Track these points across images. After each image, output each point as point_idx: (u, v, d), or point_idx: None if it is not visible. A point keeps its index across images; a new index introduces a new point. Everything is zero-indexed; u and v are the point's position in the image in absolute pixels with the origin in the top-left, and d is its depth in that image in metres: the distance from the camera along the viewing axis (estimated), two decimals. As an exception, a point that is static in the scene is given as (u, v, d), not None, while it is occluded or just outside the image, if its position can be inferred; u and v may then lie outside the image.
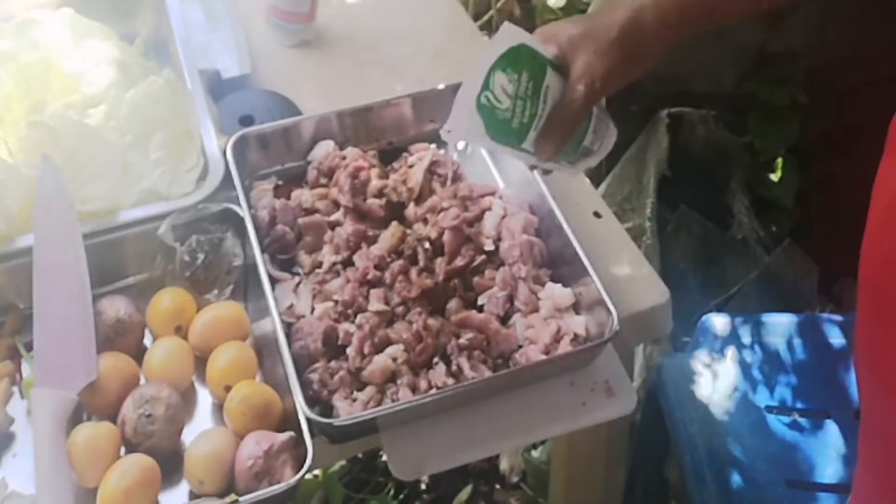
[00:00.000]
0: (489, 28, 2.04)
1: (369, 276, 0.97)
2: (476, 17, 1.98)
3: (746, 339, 1.28)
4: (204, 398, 0.93)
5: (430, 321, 0.94)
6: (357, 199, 1.03)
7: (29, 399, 0.89)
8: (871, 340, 0.74)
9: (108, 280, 0.99)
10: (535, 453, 1.64)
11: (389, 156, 1.11)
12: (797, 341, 1.27)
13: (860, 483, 0.78)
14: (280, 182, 1.08)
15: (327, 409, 0.89)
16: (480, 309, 0.97)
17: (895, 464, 0.70)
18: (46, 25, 1.13)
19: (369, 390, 0.90)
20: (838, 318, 1.29)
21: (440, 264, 0.98)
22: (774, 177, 1.80)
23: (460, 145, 1.14)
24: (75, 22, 1.14)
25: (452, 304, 0.97)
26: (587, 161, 0.89)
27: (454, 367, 0.91)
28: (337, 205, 1.04)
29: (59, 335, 0.89)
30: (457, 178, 1.08)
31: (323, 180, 1.07)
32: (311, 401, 0.88)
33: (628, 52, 0.81)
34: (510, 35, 0.78)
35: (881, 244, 0.71)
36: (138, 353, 0.93)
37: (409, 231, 1.02)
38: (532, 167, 0.94)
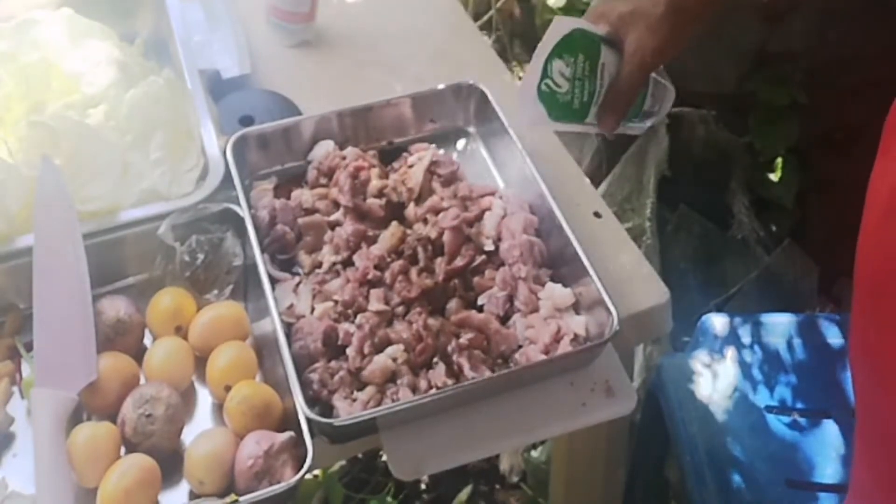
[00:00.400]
0: (489, 28, 2.05)
1: (369, 276, 0.97)
2: (476, 17, 1.99)
3: (746, 339, 1.28)
4: (204, 398, 0.93)
5: (430, 321, 0.94)
6: (357, 199, 1.03)
7: (29, 399, 0.89)
8: (867, 339, 0.74)
9: (108, 280, 0.99)
10: (535, 453, 1.64)
11: (389, 156, 1.11)
12: (797, 341, 1.27)
13: (857, 480, 0.78)
14: (280, 182, 1.08)
15: (327, 409, 0.89)
16: (480, 309, 0.97)
17: (893, 460, 0.70)
18: (46, 25, 1.13)
19: (369, 390, 0.90)
20: (838, 318, 1.29)
21: (440, 264, 0.98)
22: (774, 177, 1.80)
23: (460, 145, 1.14)
24: (75, 22, 1.14)
25: (452, 304, 0.97)
26: (650, 120, 0.95)
27: (454, 367, 0.91)
28: (337, 205, 1.04)
29: (59, 335, 0.89)
30: (457, 178, 1.08)
31: (323, 180, 1.07)
32: (311, 401, 0.88)
33: (676, 24, 0.86)
34: (562, 25, 0.84)
35: (880, 243, 0.72)
36: (138, 353, 0.93)
37: (409, 231, 1.02)
38: (598, 134, 0.98)
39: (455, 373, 0.91)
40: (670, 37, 0.87)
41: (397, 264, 0.98)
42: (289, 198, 1.05)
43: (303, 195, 1.05)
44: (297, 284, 0.98)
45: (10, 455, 0.89)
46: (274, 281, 0.97)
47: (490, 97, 1.10)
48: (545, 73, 0.84)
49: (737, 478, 1.13)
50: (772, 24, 1.67)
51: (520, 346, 0.94)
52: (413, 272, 0.97)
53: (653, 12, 0.86)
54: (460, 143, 1.15)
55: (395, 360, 0.91)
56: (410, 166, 1.08)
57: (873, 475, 0.75)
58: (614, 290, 0.93)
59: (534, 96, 0.85)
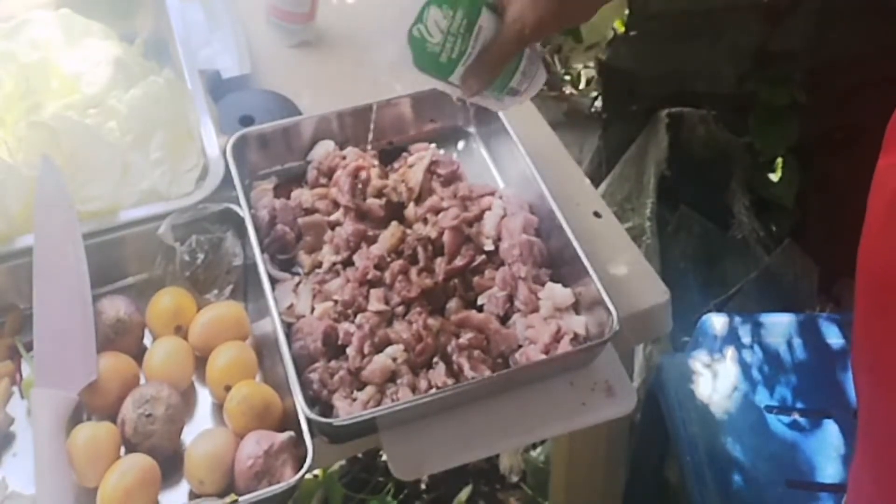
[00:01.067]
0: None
1: (369, 276, 0.97)
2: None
3: (746, 338, 1.28)
4: (204, 398, 0.93)
5: (430, 321, 0.94)
6: (357, 199, 1.03)
7: (29, 399, 0.89)
8: (871, 340, 0.74)
9: (108, 280, 0.99)
10: (534, 453, 1.65)
11: (389, 156, 1.11)
12: (797, 341, 1.27)
13: (856, 480, 0.78)
14: (280, 182, 1.08)
15: (327, 409, 0.89)
16: (480, 309, 0.97)
17: (887, 460, 0.70)
18: (46, 25, 1.13)
19: (369, 390, 0.90)
20: (838, 318, 1.29)
21: (440, 264, 0.98)
22: (774, 177, 1.81)
23: (460, 145, 1.14)
24: (75, 22, 1.14)
25: (452, 303, 0.97)
26: (514, 100, 0.91)
27: (454, 367, 0.91)
28: (337, 205, 1.04)
29: (59, 335, 0.89)
30: (457, 178, 1.08)
31: (323, 180, 1.07)
32: (311, 401, 0.88)
33: (564, 4, 0.83)
34: None
35: (883, 244, 0.71)
36: (138, 353, 0.93)
37: (409, 231, 1.02)
38: (459, 99, 0.96)
39: (455, 373, 0.91)
40: (554, 13, 0.83)
41: (397, 264, 0.98)
42: (289, 198, 1.05)
43: (303, 195, 1.05)
44: (297, 284, 0.98)
45: (10, 455, 0.89)
46: (274, 281, 0.97)
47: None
48: (420, 18, 0.81)
49: (737, 478, 1.13)
50: (772, 24, 1.68)
51: (520, 346, 0.94)
52: (413, 272, 0.97)
53: None
54: (460, 143, 1.14)
55: (395, 360, 0.91)
56: (410, 166, 1.08)
57: (874, 475, 0.75)
58: (614, 290, 0.93)
59: (403, 37, 0.82)
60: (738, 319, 1.29)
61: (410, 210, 1.04)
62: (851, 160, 0.79)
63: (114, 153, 1.02)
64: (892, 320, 0.70)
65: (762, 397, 1.21)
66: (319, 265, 1.00)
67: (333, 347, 0.93)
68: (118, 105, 1.05)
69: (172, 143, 1.04)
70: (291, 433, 0.84)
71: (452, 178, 1.07)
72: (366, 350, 0.91)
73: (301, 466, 0.82)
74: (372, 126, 1.08)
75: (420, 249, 0.99)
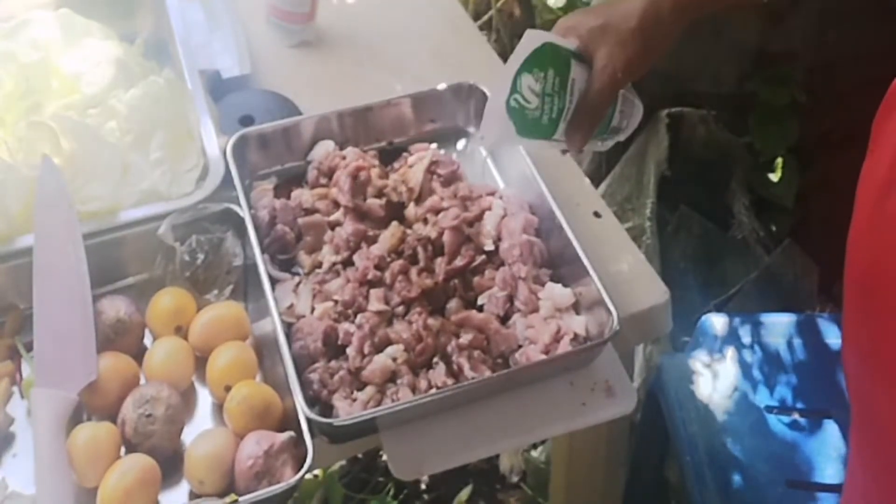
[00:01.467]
0: (489, 28, 2.04)
1: (369, 276, 0.97)
2: (476, 17, 1.98)
3: (746, 339, 1.28)
4: (204, 398, 0.93)
5: (430, 321, 0.94)
6: (357, 199, 1.03)
7: (29, 399, 0.89)
8: (859, 338, 0.74)
9: (108, 280, 0.99)
10: (535, 453, 1.64)
11: (389, 156, 1.11)
12: (797, 341, 1.27)
13: (852, 475, 0.79)
14: (280, 182, 1.08)
15: (327, 409, 0.89)
16: (480, 309, 0.97)
17: (886, 458, 0.71)
18: (46, 25, 1.13)
19: (369, 390, 0.90)
20: (838, 318, 1.29)
21: (440, 264, 0.98)
22: (774, 177, 1.80)
23: (460, 145, 1.14)
24: (75, 22, 1.14)
25: (452, 304, 0.97)
26: (616, 137, 0.93)
27: (454, 367, 0.91)
28: (337, 205, 1.04)
29: (59, 335, 0.89)
30: (457, 178, 1.08)
31: (323, 180, 1.07)
32: (311, 401, 0.88)
33: (648, 39, 0.84)
34: (533, 38, 0.81)
35: (868, 243, 0.72)
36: (138, 353, 0.93)
37: (409, 231, 1.02)
38: (564, 151, 0.97)
39: (455, 373, 0.91)
40: (641, 52, 0.84)
41: (397, 264, 0.98)
42: (289, 198, 1.05)
43: (303, 195, 1.05)
44: (297, 284, 0.98)
45: (10, 455, 0.89)
46: (274, 281, 0.97)
47: (490, 97, 1.10)
48: (514, 89, 0.81)
49: (737, 478, 1.13)
50: (772, 24, 1.68)
51: (520, 346, 0.94)
52: (413, 272, 0.97)
53: (624, 27, 0.84)
54: (460, 143, 1.14)
55: (395, 360, 0.91)
56: (410, 166, 1.08)
57: (868, 471, 0.75)
58: (614, 290, 0.93)
59: (503, 112, 0.81)
60: (738, 319, 1.29)
61: (410, 210, 1.04)
62: (851, 160, 0.79)
63: (114, 153, 1.02)
64: (878, 318, 0.70)
65: (762, 397, 1.21)
66: (319, 265, 1.00)
67: (333, 347, 0.93)
68: (118, 105, 1.05)
69: (172, 143, 1.04)
70: (291, 433, 0.84)
71: (452, 178, 1.07)
72: (366, 350, 0.91)
73: (301, 466, 0.82)
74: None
75: (420, 249, 0.99)
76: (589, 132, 0.86)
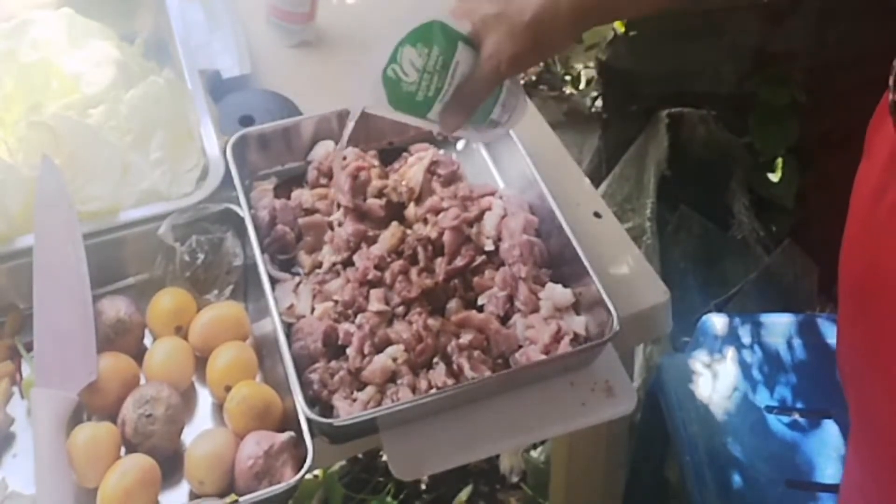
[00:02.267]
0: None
1: (369, 276, 0.97)
2: (476, 17, 1.98)
3: (746, 339, 1.28)
4: (204, 398, 0.93)
5: (430, 321, 0.94)
6: (357, 199, 1.03)
7: (29, 399, 0.89)
8: (853, 342, 0.75)
9: (108, 280, 0.99)
10: (535, 453, 1.64)
11: (389, 156, 1.11)
12: (797, 341, 1.27)
13: (849, 472, 0.79)
14: (280, 182, 1.08)
15: (327, 409, 0.89)
16: (480, 309, 0.97)
17: (884, 454, 0.71)
18: (46, 25, 1.13)
19: (369, 390, 0.90)
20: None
21: (440, 264, 0.98)
22: (774, 177, 1.80)
23: (460, 145, 1.14)
24: (75, 22, 1.14)
25: (452, 304, 0.97)
26: (495, 132, 0.91)
27: (454, 368, 0.91)
28: (337, 205, 1.04)
29: (59, 335, 0.89)
30: (457, 178, 1.08)
31: (323, 180, 1.07)
32: (311, 401, 0.88)
33: (539, 37, 0.82)
34: (421, 13, 0.80)
35: (862, 249, 0.72)
36: (138, 353, 0.93)
37: (409, 231, 1.02)
38: (439, 134, 0.94)
39: (455, 373, 0.91)
40: (530, 47, 0.82)
41: (397, 264, 0.98)
42: (289, 198, 1.05)
43: (303, 195, 1.05)
44: (297, 284, 0.98)
45: (10, 455, 0.89)
46: (274, 281, 0.97)
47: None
48: (394, 58, 0.80)
49: (737, 478, 1.13)
50: (772, 24, 1.68)
51: (520, 346, 0.94)
52: (413, 272, 0.97)
53: (517, 19, 0.81)
54: (460, 144, 1.14)
55: (395, 360, 0.91)
56: (411, 166, 1.08)
57: (866, 467, 0.76)
58: (614, 290, 0.93)
59: (378, 80, 0.80)
60: (738, 319, 1.29)
61: (410, 210, 1.04)
62: (851, 160, 0.79)
63: (114, 153, 1.02)
64: (874, 319, 0.71)
65: (762, 397, 1.21)
66: (319, 265, 1.00)
67: (333, 347, 0.93)
68: (118, 105, 1.05)
69: (172, 143, 1.04)
70: (291, 433, 0.84)
71: (452, 179, 1.07)
72: (366, 350, 0.91)
73: (301, 467, 0.82)
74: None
75: (420, 250, 0.99)
76: (463, 117, 0.85)
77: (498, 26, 0.82)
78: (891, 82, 0.69)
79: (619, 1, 0.86)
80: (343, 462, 1.65)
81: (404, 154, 1.11)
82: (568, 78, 2.19)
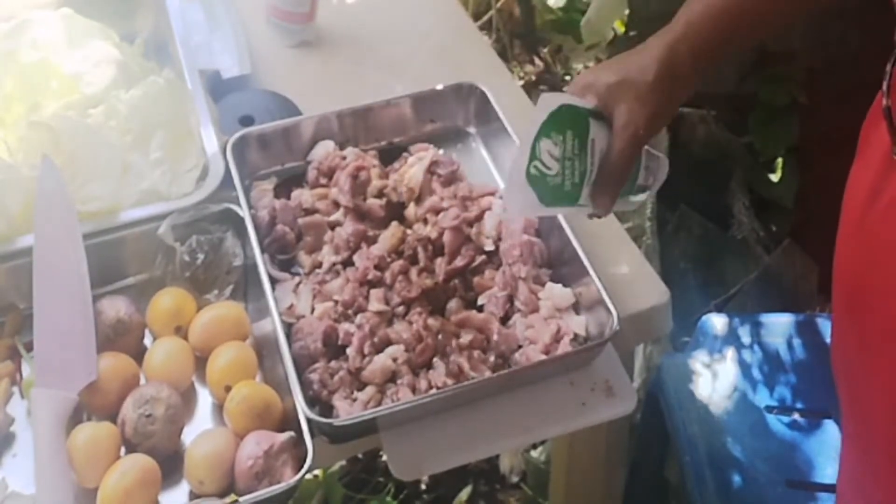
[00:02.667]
0: (489, 28, 2.05)
1: (369, 276, 0.97)
2: (476, 17, 1.99)
3: (746, 339, 1.27)
4: (204, 398, 0.93)
5: (430, 321, 0.94)
6: (357, 199, 1.03)
7: (29, 399, 0.89)
8: (846, 343, 0.75)
9: (108, 280, 0.99)
10: (535, 453, 1.64)
11: (389, 156, 1.11)
12: (797, 341, 1.27)
13: (845, 464, 0.79)
14: (280, 182, 1.08)
15: (327, 409, 0.89)
16: (480, 309, 0.97)
17: (871, 438, 0.71)
18: (46, 25, 1.13)
19: (369, 390, 0.90)
20: (838, 318, 1.28)
21: (440, 264, 0.98)
22: (774, 177, 1.80)
23: (460, 145, 1.14)
24: (75, 22, 1.14)
25: (452, 304, 0.97)
26: (643, 195, 0.89)
27: (454, 368, 0.91)
28: (337, 205, 1.04)
29: (59, 335, 0.89)
30: (457, 178, 1.08)
31: (323, 180, 1.07)
32: (311, 401, 0.88)
33: (667, 91, 0.80)
34: (549, 101, 0.77)
35: (855, 251, 0.73)
36: (138, 353, 0.93)
37: (409, 231, 1.02)
38: (591, 216, 0.93)
39: (455, 373, 0.91)
40: (662, 106, 0.80)
41: (397, 264, 0.98)
42: (289, 198, 1.05)
43: (303, 195, 1.05)
44: (298, 284, 0.98)
45: (10, 455, 0.89)
46: (274, 281, 0.97)
47: (490, 97, 1.10)
48: (534, 155, 0.76)
49: (737, 478, 1.13)
50: (772, 24, 1.67)
51: (520, 346, 0.94)
52: (413, 272, 0.97)
53: (642, 80, 0.79)
54: (460, 144, 1.15)
55: (395, 360, 0.91)
56: (411, 166, 1.08)
57: (860, 464, 0.76)
58: (614, 290, 0.93)
59: (523, 182, 0.77)
60: (737, 319, 1.29)
61: (410, 210, 1.04)
62: (852, 160, 0.79)
63: (114, 153, 1.02)
64: (864, 322, 0.71)
65: (762, 397, 1.21)
66: (319, 265, 1.00)
67: (334, 348, 0.93)
68: (118, 105, 1.05)
69: (172, 143, 1.04)
70: (291, 433, 0.84)
71: (452, 179, 1.07)
72: (366, 350, 0.91)
73: (301, 467, 0.82)
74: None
75: (420, 250, 0.99)
76: (614, 194, 0.82)
77: (625, 93, 0.80)
78: (884, 86, 0.69)
79: (732, 34, 0.83)
80: (343, 462, 1.65)
81: (404, 154, 1.11)
82: (568, 78, 2.19)
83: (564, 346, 0.93)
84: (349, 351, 0.92)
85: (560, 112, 0.77)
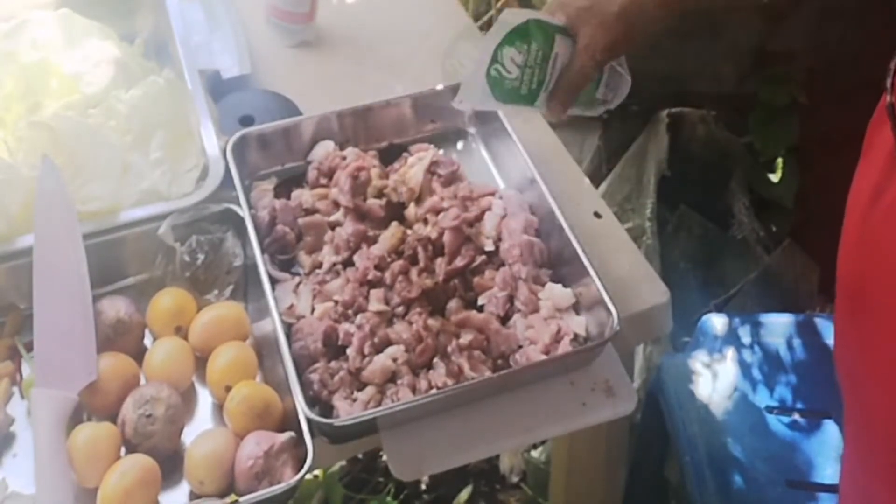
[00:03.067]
0: (489, 28, 2.04)
1: (369, 277, 0.97)
2: (476, 17, 1.98)
3: (746, 339, 1.27)
4: (204, 398, 0.93)
5: (430, 321, 0.94)
6: (357, 199, 1.03)
7: (29, 399, 0.89)
8: (848, 345, 0.75)
9: (108, 280, 0.99)
10: (535, 453, 1.64)
11: (389, 156, 1.11)
12: (797, 341, 1.27)
13: (848, 468, 0.79)
14: (280, 182, 1.08)
15: (327, 410, 0.89)
16: (480, 309, 0.97)
17: (874, 441, 0.71)
18: (46, 25, 1.13)
19: (369, 390, 0.90)
20: (838, 318, 1.28)
21: (440, 264, 0.98)
22: (774, 177, 1.80)
23: (460, 145, 1.14)
24: (75, 22, 1.14)
25: (452, 304, 0.97)
26: (603, 106, 0.96)
27: (454, 368, 0.91)
28: (337, 205, 1.04)
29: (59, 335, 0.89)
30: (457, 178, 1.08)
31: (323, 180, 1.07)
32: (311, 401, 0.88)
33: (630, 24, 0.87)
34: (513, 16, 0.85)
35: (858, 251, 0.72)
36: (138, 354, 0.93)
37: (409, 231, 1.02)
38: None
39: (455, 373, 0.91)
40: (622, 36, 0.88)
41: (397, 264, 0.98)
42: (289, 198, 1.05)
43: (303, 195, 1.05)
44: (298, 285, 0.98)
45: (10, 455, 0.89)
46: (274, 281, 0.97)
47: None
48: (495, 59, 0.85)
49: (737, 478, 1.13)
50: (772, 24, 1.67)
51: (520, 346, 0.94)
52: (413, 272, 0.97)
53: (608, 10, 0.87)
54: (460, 143, 1.14)
55: (395, 360, 0.91)
56: (411, 166, 1.08)
57: (864, 468, 0.76)
58: (614, 290, 0.93)
59: (482, 81, 0.85)
60: (737, 319, 1.29)
61: (410, 210, 1.04)
62: (852, 160, 0.79)
63: (114, 153, 1.02)
64: (867, 323, 0.71)
65: (762, 397, 1.21)
66: (320, 265, 1.00)
67: (334, 348, 0.93)
68: (118, 105, 1.05)
69: (172, 143, 1.04)
70: (292, 433, 0.84)
71: (452, 179, 1.07)
72: (366, 350, 0.91)
73: (301, 467, 0.82)
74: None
75: (420, 250, 0.99)
76: (566, 105, 0.91)
77: (590, 18, 0.87)
78: (887, 84, 0.69)
79: None
80: (343, 462, 1.65)
81: (404, 154, 1.11)
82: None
83: (564, 347, 0.93)
84: (349, 351, 0.92)
85: (527, 25, 0.85)
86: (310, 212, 1.04)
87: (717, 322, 1.29)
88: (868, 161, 0.74)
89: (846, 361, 0.80)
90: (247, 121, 1.13)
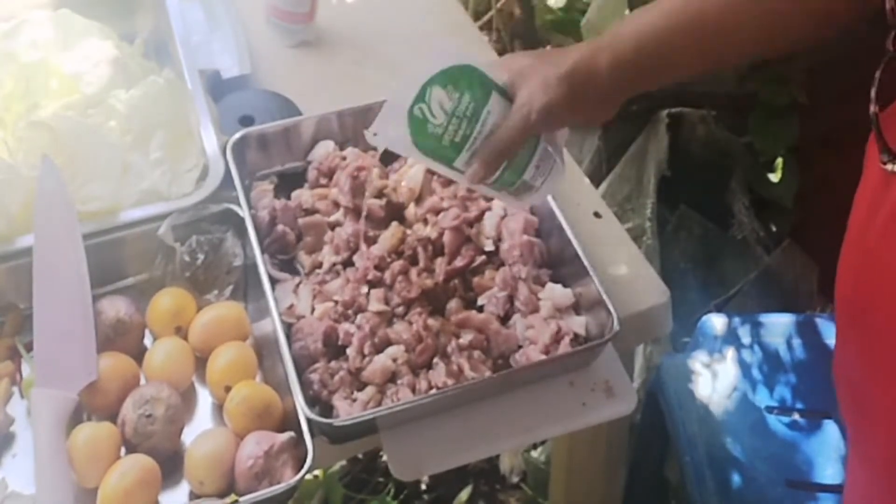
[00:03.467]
0: (489, 28, 2.04)
1: (369, 277, 0.97)
2: (476, 17, 1.98)
3: (746, 339, 1.27)
4: (204, 398, 0.93)
5: (430, 321, 0.94)
6: (357, 199, 1.03)
7: (29, 399, 0.89)
8: (848, 354, 0.75)
9: (108, 280, 0.99)
10: (535, 453, 1.64)
11: (389, 156, 1.11)
12: (797, 341, 1.27)
13: (853, 471, 0.79)
14: (280, 182, 1.08)
15: (327, 410, 0.89)
16: (480, 309, 0.97)
17: (879, 451, 0.71)
18: (46, 25, 1.13)
19: (369, 390, 0.90)
20: (838, 318, 1.28)
21: (440, 264, 0.98)
22: (774, 177, 1.80)
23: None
24: (74, 22, 1.14)
25: (452, 304, 0.97)
26: (529, 197, 0.87)
27: (454, 368, 0.91)
28: (337, 205, 1.04)
29: (59, 335, 0.89)
30: (457, 178, 1.08)
31: (323, 180, 1.07)
32: (311, 401, 0.88)
33: (574, 91, 0.80)
34: (454, 55, 0.77)
35: (854, 269, 0.72)
36: (138, 354, 0.93)
37: (409, 231, 1.02)
38: (468, 190, 0.91)
39: (455, 373, 0.91)
40: (564, 101, 0.79)
41: (397, 264, 0.98)
42: (289, 198, 1.05)
43: (303, 195, 1.05)
44: (298, 285, 0.98)
45: (10, 455, 0.89)
46: (274, 281, 0.97)
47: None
48: (422, 97, 0.77)
49: (737, 478, 1.13)
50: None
51: (520, 347, 0.94)
52: (413, 272, 0.97)
53: (552, 71, 0.80)
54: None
55: (395, 360, 0.91)
56: (411, 166, 1.08)
57: (865, 465, 0.76)
58: (614, 290, 0.93)
59: (403, 114, 0.77)
60: (737, 320, 1.29)
61: (410, 210, 1.04)
62: (851, 160, 0.79)
63: (114, 153, 1.02)
64: (865, 339, 0.71)
65: (762, 397, 1.21)
66: (320, 265, 1.00)
67: (334, 348, 0.93)
68: (118, 105, 1.05)
69: (172, 143, 1.04)
70: (291, 433, 0.84)
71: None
72: (366, 350, 0.91)
73: (301, 467, 0.82)
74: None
75: (420, 250, 0.99)
76: (490, 167, 0.81)
77: (533, 76, 0.80)
78: (872, 94, 0.69)
79: (659, 67, 0.83)
80: (343, 462, 1.65)
81: (404, 154, 1.11)
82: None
83: (564, 347, 0.93)
84: (349, 351, 0.92)
85: (464, 70, 0.78)
86: (310, 212, 1.04)
87: (716, 322, 1.29)
88: (865, 177, 0.74)
89: (846, 372, 0.80)
90: (247, 121, 1.13)
